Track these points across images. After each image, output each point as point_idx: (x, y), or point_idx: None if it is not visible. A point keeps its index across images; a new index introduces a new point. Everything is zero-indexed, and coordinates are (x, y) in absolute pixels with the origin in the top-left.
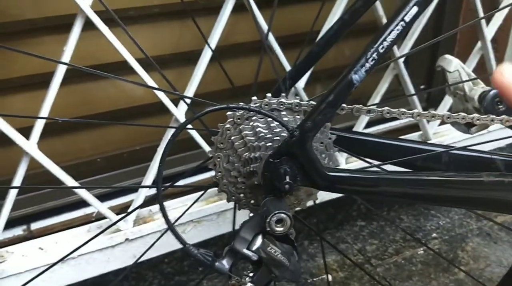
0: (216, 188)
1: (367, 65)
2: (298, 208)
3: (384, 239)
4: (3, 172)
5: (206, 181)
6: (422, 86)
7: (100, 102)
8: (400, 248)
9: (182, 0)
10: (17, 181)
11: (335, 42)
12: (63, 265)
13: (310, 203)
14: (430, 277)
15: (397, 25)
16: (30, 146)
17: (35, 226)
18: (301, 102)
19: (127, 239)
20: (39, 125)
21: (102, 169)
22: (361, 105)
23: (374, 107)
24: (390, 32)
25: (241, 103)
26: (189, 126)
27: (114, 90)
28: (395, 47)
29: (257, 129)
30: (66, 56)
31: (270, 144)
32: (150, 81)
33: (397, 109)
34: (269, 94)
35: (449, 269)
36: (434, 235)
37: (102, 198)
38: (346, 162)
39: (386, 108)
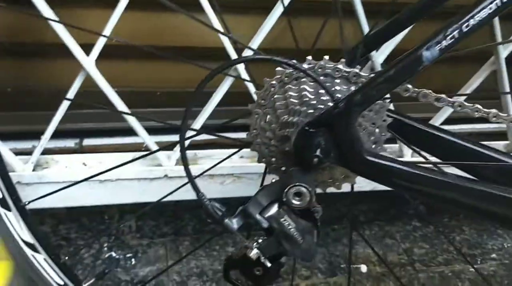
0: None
1: (444, 43)
2: (331, 188)
3: (436, 246)
4: (60, 83)
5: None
6: None
7: (166, 36)
8: (451, 260)
9: None
10: (71, 93)
11: (425, 14)
12: (101, 185)
13: (347, 187)
14: None
15: (491, 2)
16: (89, 62)
17: (87, 142)
18: (361, 73)
19: (166, 176)
20: (100, 43)
21: (160, 103)
22: (430, 91)
23: (443, 96)
24: (481, 10)
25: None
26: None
27: (182, 26)
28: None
29: (303, 93)
30: None
31: (312, 111)
32: (217, 25)
33: (471, 105)
34: (326, 57)
35: None
36: (493, 255)
37: (153, 131)
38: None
39: (458, 100)
